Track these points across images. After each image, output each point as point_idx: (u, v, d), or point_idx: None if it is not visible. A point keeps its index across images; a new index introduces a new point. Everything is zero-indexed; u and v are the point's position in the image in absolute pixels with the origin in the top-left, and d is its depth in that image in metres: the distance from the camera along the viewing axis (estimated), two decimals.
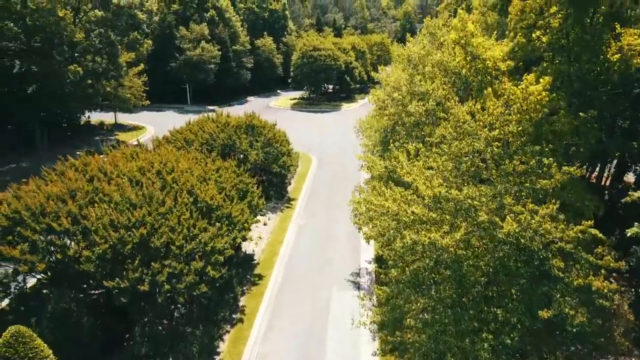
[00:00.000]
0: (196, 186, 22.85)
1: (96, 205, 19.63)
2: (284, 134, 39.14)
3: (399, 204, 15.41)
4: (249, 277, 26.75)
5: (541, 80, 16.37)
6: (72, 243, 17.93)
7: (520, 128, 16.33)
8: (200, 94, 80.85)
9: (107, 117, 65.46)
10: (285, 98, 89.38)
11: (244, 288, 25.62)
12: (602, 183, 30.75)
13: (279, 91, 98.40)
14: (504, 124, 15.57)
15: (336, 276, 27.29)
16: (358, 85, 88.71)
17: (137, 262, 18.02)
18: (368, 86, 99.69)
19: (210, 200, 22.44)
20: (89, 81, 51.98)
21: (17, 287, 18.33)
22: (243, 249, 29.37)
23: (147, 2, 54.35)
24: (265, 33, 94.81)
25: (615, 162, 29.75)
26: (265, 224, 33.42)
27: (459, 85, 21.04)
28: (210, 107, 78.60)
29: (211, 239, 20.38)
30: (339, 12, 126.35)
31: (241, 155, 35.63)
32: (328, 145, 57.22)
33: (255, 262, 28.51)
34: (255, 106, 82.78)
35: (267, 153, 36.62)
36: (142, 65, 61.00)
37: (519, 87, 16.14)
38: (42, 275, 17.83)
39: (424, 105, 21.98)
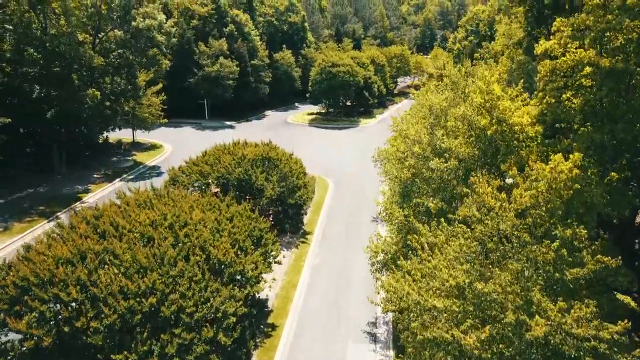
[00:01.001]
0: (209, 240, 22.28)
1: (106, 267, 19.17)
2: (300, 164, 38.44)
3: (419, 291, 14.56)
4: (262, 327, 26.09)
5: (571, 156, 15.38)
6: (80, 314, 17.42)
7: (550, 206, 15.35)
8: (219, 109, 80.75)
9: (125, 134, 65.47)
10: (303, 113, 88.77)
11: (257, 340, 24.96)
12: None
13: (297, 104, 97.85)
14: (531, 208, 14.63)
15: (352, 327, 26.45)
16: (376, 100, 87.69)
17: (145, 333, 17.46)
18: (387, 99, 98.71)
19: (223, 256, 21.84)
20: (108, 103, 52.12)
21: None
22: (257, 295, 28.73)
23: (165, 23, 54.22)
24: (284, 46, 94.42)
25: None
26: (279, 263, 32.73)
27: (484, 141, 20.02)
28: (228, 123, 78.54)
29: (222, 302, 19.75)
30: (358, 22, 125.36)
31: (257, 190, 35.07)
32: (345, 167, 56.34)
33: (268, 309, 27.84)
34: (273, 121, 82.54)
35: (283, 187, 35.99)
36: (160, 84, 60.96)
37: (547, 167, 15.17)
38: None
39: (446, 162, 21.07)
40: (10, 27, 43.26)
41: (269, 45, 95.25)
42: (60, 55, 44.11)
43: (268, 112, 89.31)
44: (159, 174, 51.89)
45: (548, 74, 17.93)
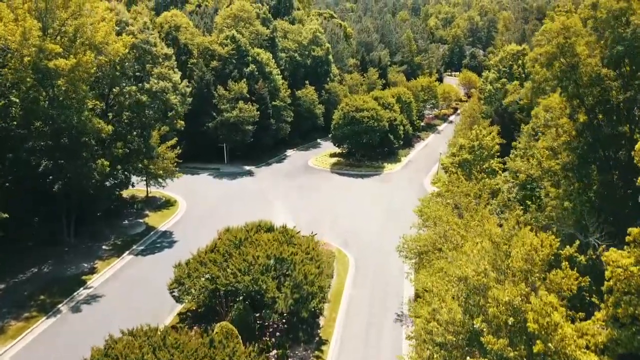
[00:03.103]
0: None
1: None
2: (316, 269, 34.94)
3: None
4: None
5: None
6: None
7: None
8: (238, 151, 78.18)
9: (140, 185, 62.79)
10: (325, 153, 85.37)
11: None
12: None
13: (319, 141, 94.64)
14: None
15: None
16: (402, 142, 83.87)
17: None
18: (413, 135, 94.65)
19: None
20: (119, 167, 49.93)
21: None
22: None
23: (180, 84, 51.78)
24: (307, 82, 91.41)
25: None
26: None
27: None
28: (247, 168, 75.89)
29: None
30: (384, 48, 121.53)
31: (267, 302, 31.91)
32: (367, 234, 52.58)
33: None
34: (294, 164, 79.48)
35: (297, 295, 32.68)
36: (174, 140, 58.40)
37: None
38: None
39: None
40: (17, 100, 41.28)
41: (291, 80, 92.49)
42: (68, 129, 41.89)
43: (289, 152, 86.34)
44: (170, 244, 49.32)
45: (620, 288, 14.17)
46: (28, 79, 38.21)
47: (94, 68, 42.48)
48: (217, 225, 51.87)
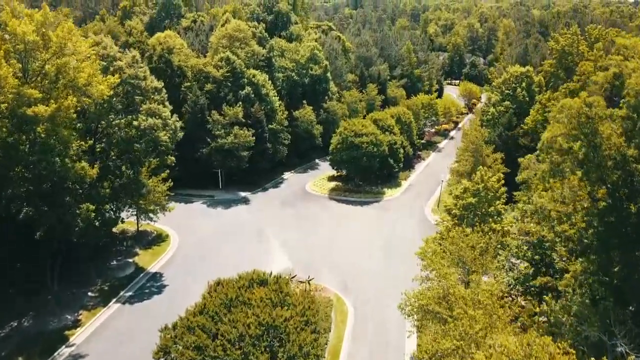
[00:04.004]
0: None
1: None
2: (312, 336, 32.61)
3: None
4: None
5: None
6: None
7: None
8: (234, 176, 75.78)
9: (131, 217, 60.20)
10: (324, 176, 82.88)
11: None
12: None
13: (317, 161, 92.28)
14: None
15: None
16: (402, 165, 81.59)
17: None
18: (413, 156, 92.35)
19: None
20: (107, 207, 47.63)
21: None
22: None
23: (170, 118, 49.43)
24: (304, 102, 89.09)
25: None
26: None
27: None
28: (243, 194, 73.58)
29: None
30: (384, 62, 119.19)
31: None
32: (367, 275, 50.25)
33: None
34: (291, 189, 77.17)
35: None
36: (166, 173, 55.86)
37: None
38: None
39: None
40: None
41: (288, 99, 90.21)
42: (50, 175, 39.53)
43: (286, 175, 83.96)
44: (160, 289, 47.00)
45: None
46: (4, 129, 35.85)
47: (78, 108, 40.26)
48: (210, 267, 49.87)
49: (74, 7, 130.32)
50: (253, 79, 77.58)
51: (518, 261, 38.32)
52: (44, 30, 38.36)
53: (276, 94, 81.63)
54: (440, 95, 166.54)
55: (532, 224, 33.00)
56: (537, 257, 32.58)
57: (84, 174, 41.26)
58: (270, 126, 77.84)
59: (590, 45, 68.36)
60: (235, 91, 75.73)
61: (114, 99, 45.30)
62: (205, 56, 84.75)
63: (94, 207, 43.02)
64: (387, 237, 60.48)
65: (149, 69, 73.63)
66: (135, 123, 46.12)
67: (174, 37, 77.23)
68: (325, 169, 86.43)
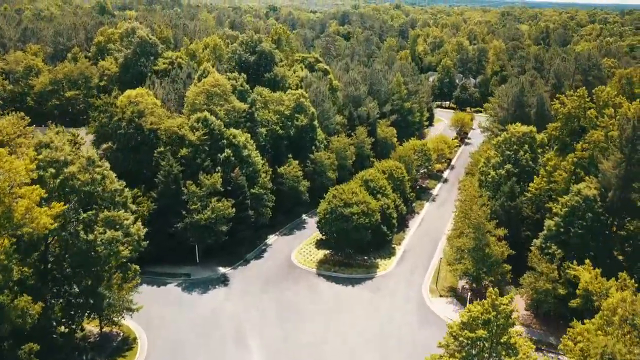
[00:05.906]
0: None
1: None
2: None
3: None
4: None
5: None
6: None
7: None
8: (212, 250, 69.10)
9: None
10: (311, 239, 76.50)
11: None
12: None
13: (304, 217, 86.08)
14: None
15: None
16: (395, 229, 75.84)
17: None
18: (407, 213, 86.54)
19: None
20: (59, 329, 41.08)
21: None
22: None
23: (133, 226, 42.88)
24: (289, 156, 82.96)
25: None
26: None
27: None
28: (222, 271, 67.38)
29: None
30: (373, 100, 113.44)
31: None
32: None
33: None
34: (275, 262, 70.86)
35: None
36: (135, 267, 49.14)
37: None
38: None
39: None
40: None
41: (273, 153, 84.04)
42: None
43: (270, 239, 77.43)
44: None
45: None
46: None
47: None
48: None
49: (44, 43, 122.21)
50: (233, 139, 71.25)
51: None
52: None
53: (258, 153, 75.26)
54: (431, 123, 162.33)
55: None
56: None
57: (24, 314, 34.68)
58: (252, 191, 71.45)
59: (598, 109, 63.19)
60: (214, 154, 69.35)
61: (65, 213, 38.69)
62: (181, 110, 78.27)
63: (38, 347, 36.45)
64: (382, 333, 54.60)
65: (118, 135, 67.51)
66: (90, 237, 39.50)
67: (146, 96, 70.52)
68: (312, 227, 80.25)
